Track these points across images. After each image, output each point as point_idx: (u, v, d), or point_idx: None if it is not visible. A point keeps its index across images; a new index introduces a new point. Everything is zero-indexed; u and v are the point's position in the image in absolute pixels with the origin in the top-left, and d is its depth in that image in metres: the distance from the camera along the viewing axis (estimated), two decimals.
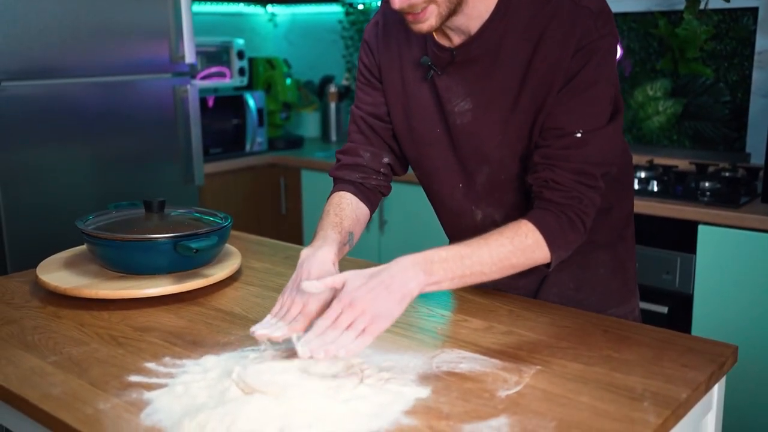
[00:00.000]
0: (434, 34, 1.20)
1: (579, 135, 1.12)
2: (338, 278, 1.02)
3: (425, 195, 1.39)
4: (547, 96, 1.14)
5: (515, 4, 1.15)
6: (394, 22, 1.28)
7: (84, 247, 1.47)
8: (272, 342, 1.04)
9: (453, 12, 1.12)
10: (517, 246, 1.08)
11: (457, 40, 1.19)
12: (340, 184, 1.31)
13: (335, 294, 1.04)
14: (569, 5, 1.12)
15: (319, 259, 1.10)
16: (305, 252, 1.13)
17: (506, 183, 1.23)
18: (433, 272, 1.02)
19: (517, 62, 1.15)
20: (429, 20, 1.11)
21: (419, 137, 1.28)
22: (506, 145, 1.20)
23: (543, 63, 1.13)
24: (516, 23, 1.15)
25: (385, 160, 1.32)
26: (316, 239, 1.17)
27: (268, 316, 1.08)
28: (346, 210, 1.24)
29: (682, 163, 2.65)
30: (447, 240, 1.44)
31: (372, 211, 1.32)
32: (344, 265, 1.51)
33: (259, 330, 1.04)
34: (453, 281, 1.04)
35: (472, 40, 1.17)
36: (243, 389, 0.93)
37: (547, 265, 1.13)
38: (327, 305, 1.04)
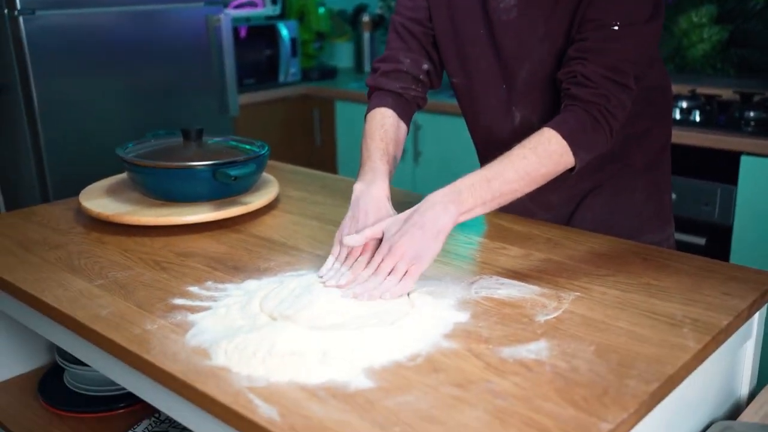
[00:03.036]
0: None
1: (616, 28, 1.11)
2: (377, 228, 1.05)
3: (458, 123, 1.37)
4: None
5: None
6: None
7: (124, 175, 1.49)
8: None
9: None
10: (541, 154, 1.06)
11: None
12: (379, 95, 1.30)
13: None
14: None
15: (374, 196, 1.12)
16: (358, 187, 1.15)
17: (544, 81, 1.23)
18: (462, 201, 1.02)
19: None
20: None
21: (463, 36, 1.27)
22: (548, 40, 1.20)
23: None
24: None
25: (425, 66, 1.32)
26: (365, 170, 1.18)
27: (331, 258, 1.09)
28: (390, 132, 1.24)
29: (726, 93, 2.57)
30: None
31: (408, 128, 1.31)
32: None
33: (329, 281, 1.04)
34: (485, 205, 1.04)
35: None
36: (271, 316, 0.95)
37: (571, 170, 1.11)
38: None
